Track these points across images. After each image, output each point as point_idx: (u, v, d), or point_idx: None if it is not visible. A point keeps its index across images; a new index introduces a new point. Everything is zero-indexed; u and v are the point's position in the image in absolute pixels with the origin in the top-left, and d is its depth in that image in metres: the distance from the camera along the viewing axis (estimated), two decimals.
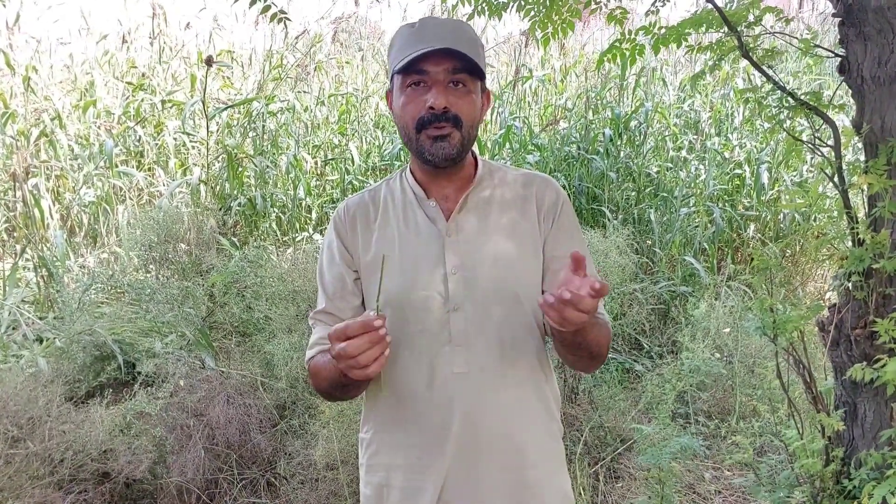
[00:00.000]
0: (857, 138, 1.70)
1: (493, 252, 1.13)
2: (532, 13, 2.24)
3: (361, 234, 1.18)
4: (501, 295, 1.11)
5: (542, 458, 1.17)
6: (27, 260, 3.71)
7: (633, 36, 2.14)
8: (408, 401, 1.13)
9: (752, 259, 1.82)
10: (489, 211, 1.16)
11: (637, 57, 2.21)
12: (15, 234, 4.13)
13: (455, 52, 1.05)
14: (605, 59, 2.25)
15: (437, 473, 1.12)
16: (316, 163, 4.72)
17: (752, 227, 4.46)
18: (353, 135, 4.87)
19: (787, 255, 4.24)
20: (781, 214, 4.31)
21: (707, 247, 4.12)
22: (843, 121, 3.25)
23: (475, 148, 1.22)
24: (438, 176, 1.16)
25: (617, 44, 2.18)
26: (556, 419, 1.23)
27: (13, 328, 3.07)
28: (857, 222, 1.68)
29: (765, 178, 4.35)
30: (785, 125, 1.85)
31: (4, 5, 4.72)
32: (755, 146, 4.63)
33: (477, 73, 1.09)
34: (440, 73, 1.06)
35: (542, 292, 1.17)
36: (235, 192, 4.17)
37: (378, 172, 4.63)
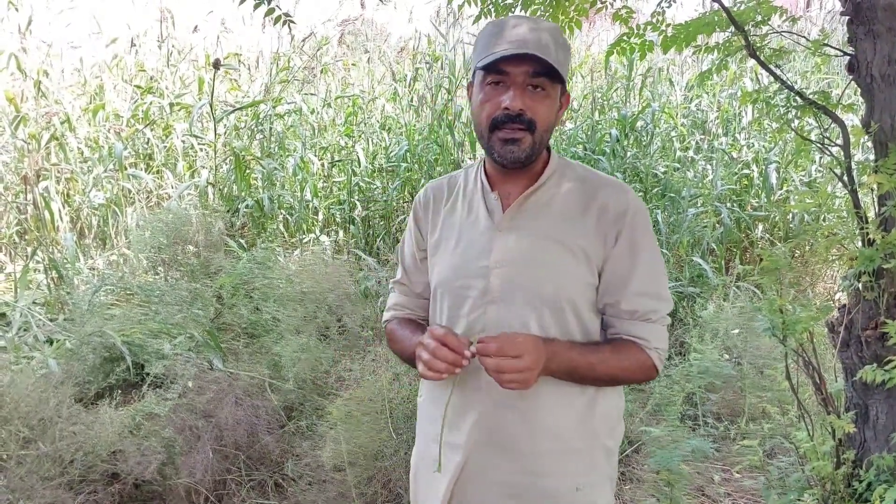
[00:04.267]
0: (866, 137, 1.68)
1: (539, 253, 1.13)
2: (539, 13, 2.24)
3: (432, 216, 1.26)
4: (540, 297, 1.11)
5: (563, 470, 1.14)
6: (38, 262, 3.74)
7: (640, 31, 2.13)
8: (443, 381, 1.17)
9: (761, 259, 1.81)
10: (546, 212, 1.16)
11: (646, 53, 2.20)
12: (26, 237, 4.16)
13: (537, 56, 1.05)
14: (614, 52, 2.24)
15: (457, 453, 1.16)
16: (323, 165, 4.73)
17: (761, 227, 4.43)
18: (360, 136, 4.88)
19: (797, 255, 4.21)
20: (790, 214, 4.28)
21: (715, 247, 4.10)
22: (853, 120, 3.22)
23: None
24: (507, 172, 1.17)
25: (625, 38, 2.17)
26: (597, 436, 1.17)
27: (24, 330, 3.09)
28: (867, 222, 1.66)
29: (773, 177, 4.32)
30: (793, 125, 1.84)
31: (17, 9, 4.77)
32: (763, 146, 4.60)
33: (557, 76, 1.09)
34: (520, 74, 1.07)
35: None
36: (243, 194, 4.19)
37: (384, 174, 4.64)
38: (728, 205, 4.33)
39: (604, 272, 1.14)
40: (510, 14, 2.26)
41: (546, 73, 1.07)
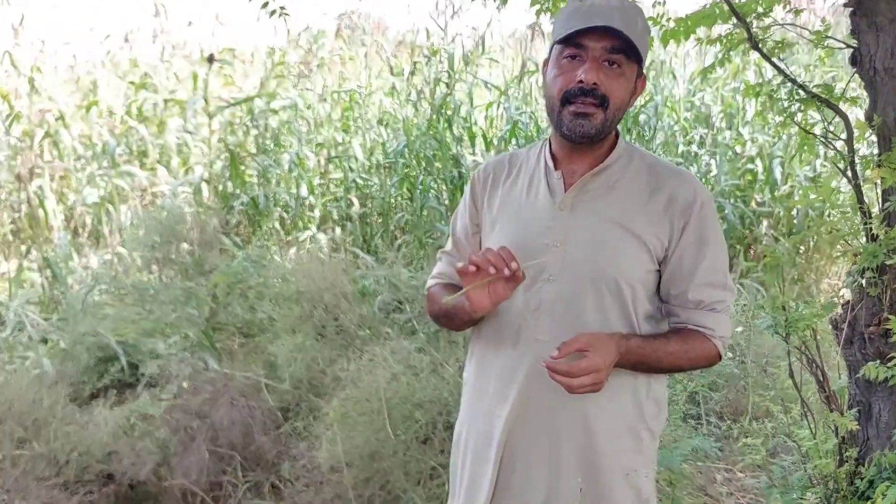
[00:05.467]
0: (870, 132, 1.65)
1: (599, 234, 1.13)
2: (538, 5, 2.20)
3: (490, 193, 1.26)
4: (598, 278, 1.12)
5: (616, 449, 1.16)
6: (32, 261, 3.72)
7: None
8: (495, 355, 1.21)
9: (764, 256, 1.78)
10: (610, 195, 1.15)
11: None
12: (20, 236, 4.14)
13: (616, 31, 1.03)
14: None
15: (502, 422, 1.18)
16: (319, 161, 4.70)
17: (765, 223, 4.40)
18: (357, 132, 4.84)
19: (801, 251, 4.18)
20: (795, 210, 4.24)
21: None
22: (857, 114, 3.17)
23: (620, 128, 1.21)
24: (573, 151, 1.16)
25: None
26: (644, 419, 1.19)
27: (19, 329, 3.08)
28: (871, 217, 1.63)
29: (777, 172, 4.29)
30: (796, 118, 1.81)
31: (10, 4, 4.73)
32: (767, 140, 4.56)
33: (634, 55, 1.07)
34: (597, 49, 1.06)
35: (658, 293, 1.18)
36: (238, 190, 4.16)
37: (382, 170, 4.60)
38: (732, 200, 4.30)
39: (669, 262, 1.14)
40: (507, 1, 2.21)
41: (623, 50, 1.06)
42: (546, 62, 1.16)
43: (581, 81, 1.06)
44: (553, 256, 1.14)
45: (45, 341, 2.97)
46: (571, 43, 1.07)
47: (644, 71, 1.15)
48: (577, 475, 1.16)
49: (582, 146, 1.14)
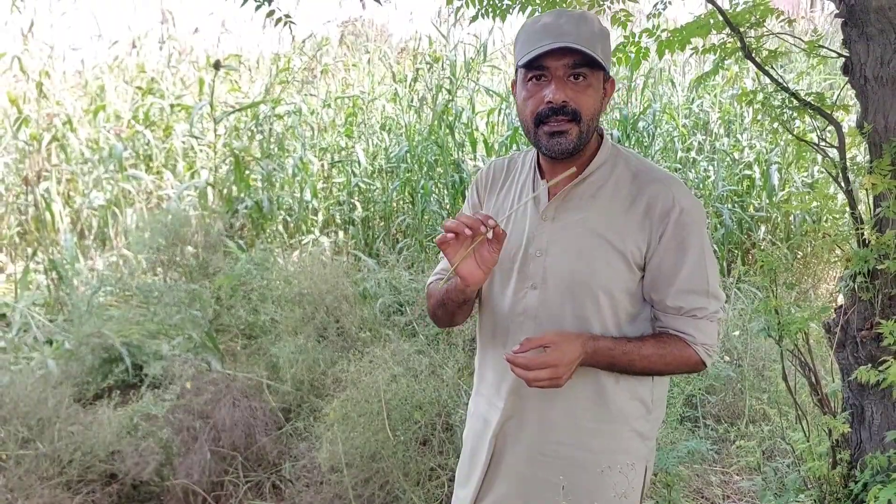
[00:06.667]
0: (862, 138, 1.68)
1: (580, 244, 1.15)
2: (536, 13, 2.23)
3: (489, 195, 1.31)
4: (577, 286, 1.15)
5: (589, 446, 1.19)
6: (38, 263, 3.76)
7: (637, 39, 2.12)
8: (491, 349, 1.28)
9: (759, 259, 1.81)
10: (591, 204, 1.17)
11: (642, 59, 2.20)
12: (27, 238, 4.18)
13: (574, 48, 1.06)
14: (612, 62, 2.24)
15: (498, 413, 1.24)
16: (322, 165, 4.74)
17: (763, 228, 4.42)
18: (360, 137, 4.88)
19: (799, 256, 4.20)
20: (792, 216, 4.26)
21: (717, 249, 4.08)
22: (852, 121, 3.21)
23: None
24: (557, 162, 1.17)
25: (621, 47, 2.17)
26: (626, 419, 1.20)
27: (24, 330, 3.12)
28: (863, 223, 1.66)
29: (775, 178, 4.31)
30: (790, 126, 1.84)
31: (21, 11, 4.79)
32: (765, 147, 4.59)
33: (598, 65, 1.09)
34: (560, 68, 1.08)
35: (645, 299, 1.19)
36: (242, 194, 4.20)
37: (384, 175, 4.64)
38: (729, 206, 4.32)
39: (649, 268, 1.15)
40: (507, 15, 2.25)
41: (586, 64, 1.08)
42: (514, 84, 1.18)
43: (550, 102, 1.08)
44: (535, 265, 1.17)
45: (50, 342, 3.00)
46: (534, 66, 1.09)
47: (611, 73, 1.17)
48: (559, 472, 1.18)
49: (563, 159, 1.16)
